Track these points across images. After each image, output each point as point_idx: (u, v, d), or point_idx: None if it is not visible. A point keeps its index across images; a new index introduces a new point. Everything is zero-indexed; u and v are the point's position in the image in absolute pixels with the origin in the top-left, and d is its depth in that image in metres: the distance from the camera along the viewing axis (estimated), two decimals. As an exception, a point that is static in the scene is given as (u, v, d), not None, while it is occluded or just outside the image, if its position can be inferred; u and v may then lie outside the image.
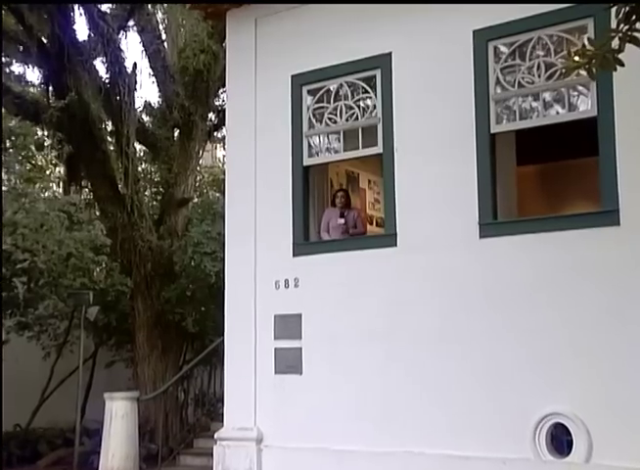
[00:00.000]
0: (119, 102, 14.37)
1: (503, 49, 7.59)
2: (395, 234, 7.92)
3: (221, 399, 9.45)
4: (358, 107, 8.36)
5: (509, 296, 7.23)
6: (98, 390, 12.73)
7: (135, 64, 14.94)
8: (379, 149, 8.15)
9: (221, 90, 15.92)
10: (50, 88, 14.40)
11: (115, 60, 14.30)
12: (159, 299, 14.24)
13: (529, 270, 7.17)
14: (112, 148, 15.21)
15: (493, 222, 7.43)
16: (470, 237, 7.46)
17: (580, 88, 7.22)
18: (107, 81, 14.51)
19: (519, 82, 7.44)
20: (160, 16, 16.31)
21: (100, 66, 14.71)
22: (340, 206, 9.09)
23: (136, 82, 14.83)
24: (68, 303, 13.01)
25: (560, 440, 6.90)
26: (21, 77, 15.81)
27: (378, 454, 7.66)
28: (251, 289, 8.67)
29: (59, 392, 14.28)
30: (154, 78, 16.05)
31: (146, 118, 16.81)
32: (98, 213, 15.18)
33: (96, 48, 14.29)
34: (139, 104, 16.17)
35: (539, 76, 7.34)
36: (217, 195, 17.58)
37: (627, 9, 4.50)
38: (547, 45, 7.35)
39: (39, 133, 14.61)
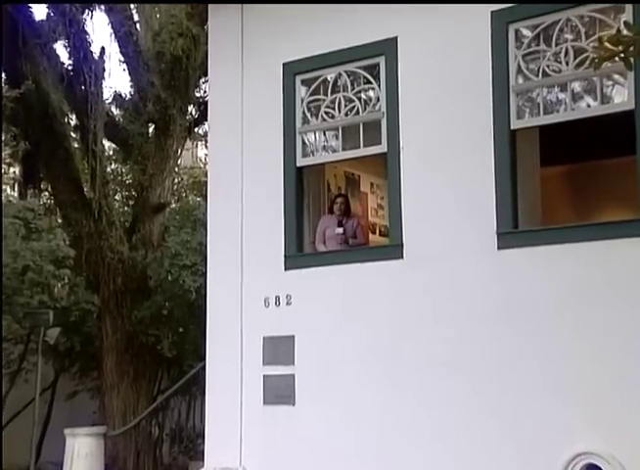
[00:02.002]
0: (85, 92, 14.40)
1: (525, 33, 7.64)
2: (401, 245, 7.96)
3: (201, 435, 9.47)
4: (359, 99, 8.42)
5: (531, 316, 7.27)
6: (57, 425, 12.73)
7: (103, 48, 14.98)
8: (383, 148, 8.21)
9: (202, 80, 15.99)
10: (2, 76, 14.42)
11: (80, 43, 14.33)
12: (130, 318, 14.27)
13: (555, 287, 7.21)
14: (76, 145, 15.27)
15: (513, 231, 7.48)
16: (486, 248, 7.51)
17: (616, 77, 7.26)
18: (69, 68, 14.52)
19: (543, 71, 7.50)
20: (132, -7, 16.36)
21: (61, 50, 14.73)
22: (338, 212, 9.12)
23: (104, 70, 14.87)
24: (23, 323, 13.01)
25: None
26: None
27: (381, 498, 7.71)
28: (236, 307, 8.71)
29: (10, 428, 14.18)
30: (124, 66, 16.06)
31: (116, 112, 16.85)
32: (60, 221, 15.23)
33: (56, 29, 14.28)
34: (108, 95, 16.22)
35: (567, 64, 7.38)
36: (198, 200, 17.63)
37: None
38: (577, 28, 7.39)
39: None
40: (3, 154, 16.14)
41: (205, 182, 9.86)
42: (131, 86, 16.36)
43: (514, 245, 7.43)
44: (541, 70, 7.51)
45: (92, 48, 14.61)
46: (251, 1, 9.05)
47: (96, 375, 14.97)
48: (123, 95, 16.70)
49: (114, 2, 15.05)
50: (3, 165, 16.85)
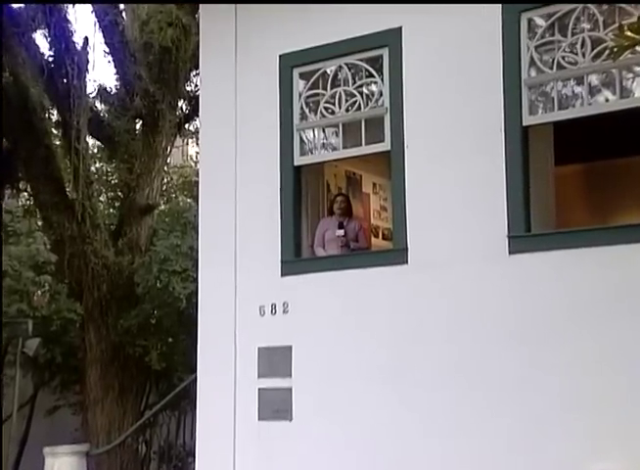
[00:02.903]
0: (67, 86, 14.44)
1: (539, 22, 7.66)
2: (406, 249, 7.99)
3: (192, 453, 9.47)
4: (361, 94, 8.45)
5: (545, 326, 7.28)
6: (36, 443, 12.73)
7: (86, 39, 15.01)
8: (386, 145, 8.23)
9: (193, 73, 16.03)
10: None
11: (61, 33, 14.35)
12: (116, 328, 14.30)
13: (571, 294, 7.22)
14: (57, 143, 15.30)
15: (526, 235, 7.50)
16: (497, 253, 7.53)
17: (637, 69, 7.28)
18: (50, 60, 14.55)
19: (558, 63, 7.51)
20: (118, -20, 16.38)
21: (42, 40, 14.76)
22: (338, 214, 9.15)
23: (87, 62, 14.90)
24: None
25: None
26: None
27: (385, 520, 7.73)
28: (229, 316, 8.74)
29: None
30: (109, 57, 16.11)
31: (100, 107, 16.89)
32: (40, 223, 15.26)
33: (36, 18, 14.31)
34: (91, 89, 16.26)
35: (584, 55, 7.39)
36: (189, 201, 17.69)
37: None
38: (595, 16, 7.39)
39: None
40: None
41: (197, 182, 9.88)
42: (117, 80, 16.41)
43: (526, 249, 7.44)
44: (556, 62, 7.51)
45: (74, 38, 14.64)
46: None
47: (78, 389, 15.01)
48: (108, 89, 16.73)
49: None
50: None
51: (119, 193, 17.25)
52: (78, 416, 14.90)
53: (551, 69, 7.55)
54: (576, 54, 7.43)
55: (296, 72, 8.78)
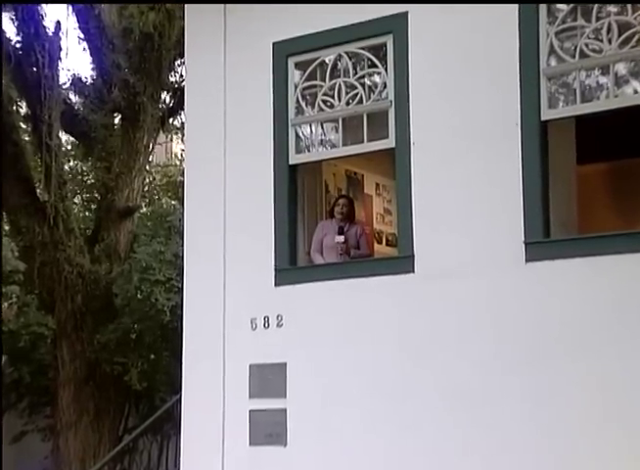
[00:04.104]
0: (37, 75, 14.47)
1: (560, 6, 7.66)
2: (412, 256, 8.02)
3: (176, 482, 9.52)
4: (363, 86, 8.48)
5: (566, 341, 7.30)
6: (1, 473, 12.71)
7: (58, 23, 15.04)
8: (390, 142, 8.26)
9: (178, 62, 16.07)
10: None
11: (30, 16, 14.39)
12: (91, 344, 14.34)
13: (594, 306, 7.23)
14: (27, 138, 15.32)
15: (544, 241, 7.52)
16: (512, 261, 7.55)
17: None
18: (18, 46, 14.57)
19: (581, 51, 7.52)
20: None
21: (8, 25, 14.77)
22: (338, 218, 9.18)
23: (60, 49, 14.95)
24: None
25: None
26: None
27: None
28: (218, 330, 8.76)
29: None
30: (85, 44, 16.15)
31: (75, 99, 16.93)
32: (7, 228, 15.27)
33: (1, -1, 14.34)
34: (65, 79, 16.31)
35: (610, 42, 7.40)
36: (173, 203, 17.73)
37: None
38: (622, -2, 7.43)
39: None
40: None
41: (182, 182, 9.92)
42: (93, 69, 16.47)
43: (545, 257, 7.46)
44: (578, 50, 7.52)
45: (45, 22, 14.64)
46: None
47: (49, 412, 15.02)
48: (83, 79, 16.78)
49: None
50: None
51: (96, 194, 17.29)
52: (49, 443, 14.90)
53: (573, 57, 7.56)
54: (601, 41, 7.45)
55: (291, 62, 8.81)
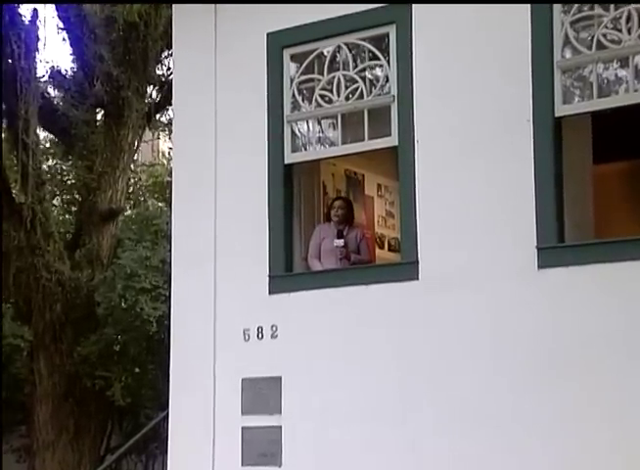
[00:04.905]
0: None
1: (576, -7, 7.71)
2: (417, 262, 8.03)
3: (163, 505, 9.52)
4: (364, 79, 8.50)
5: (582, 355, 7.30)
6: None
7: (35, 11, 15.02)
8: (393, 140, 8.29)
9: (165, 53, 16.07)
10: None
11: (5, 4, 14.36)
12: (71, 357, 14.34)
13: (612, 317, 7.22)
14: (2, 135, 15.30)
15: (558, 246, 7.54)
16: (524, 268, 7.56)
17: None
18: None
19: (598, 41, 7.53)
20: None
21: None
22: (337, 221, 9.18)
23: (38, 39, 14.94)
24: None
25: None
26: None
27: None
28: (208, 341, 8.78)
29: None
30: (64, 34, 16.15)
31: (54, 93, 16.94)
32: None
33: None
34: (43, 71, 16.31)
35: (629, 32, 7.41)
36: (160, 205, 17.74)
37: None
38: (642, -15, 7.43)
39: None
40: None
41: (169, 183, 9.95)
42: (73, 61, 16.46)
43: (559, 263, 7.47)
44: (595, 41, 7.53)
45: (21, 10, 14.62)
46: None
47: (24, 431, 15.00)
48: (63, 72, 16.76)
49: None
50: None
51: (77, 196, 17.30)
52: (24, 464, 14.90)
53: (589, 48, 7.58)
54: (620, 31, 7.46)
55: (286, 54, 8.84)
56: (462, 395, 7.68)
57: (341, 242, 8.94)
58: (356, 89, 8.50)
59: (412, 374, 7.92)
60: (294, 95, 8.80)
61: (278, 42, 8.82)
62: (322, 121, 8.83)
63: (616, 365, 7.16)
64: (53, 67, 16.65)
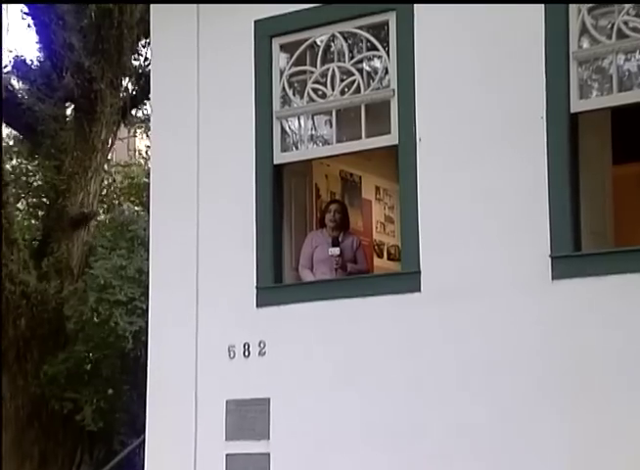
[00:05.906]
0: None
1: (594, -22, 7.74)
2: (418, 272, 8.06)
3: None
4: (360, 72, 8.54)
5: (601, 374, 7.32)
6: None
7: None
8: (393, 139, 8.32)
9: (142, 42, 16.09)
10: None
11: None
12: (37, 377, 14.33)
13: (633, 332, 7.25)
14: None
15: (574, 255, 7.56)
16: (537, 278, 7.58)
17: None
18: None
19: (619, 30, 7.56)
20: None
21: None
22: (330, 227, 9.22)
23: (0, 26, 14.96)
24: None
25: None
26: None
27: None
28: (189, 359, 8.81)
29: None
30: (30, 20, 16.15)
31: (18, 85, 16.93)
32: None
33: None
34: (6, 61, 16.31)
35: (653, 20, 7.48)
36: (137, 209, 17.74)
37: None
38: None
39: None
40: None
41: (147, 185, 9.96)
42: (40, 50, 16.45)
43: (575, 274, 7.49)
44: (615, 30, 7.56)
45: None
46: None
47: (-16, 459, 15.00)
48: (28, 62, 16.75)
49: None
50: None
51: (44, 199, 17.29)
52: (-15, 494, 14.91)
53: (609, 38, 7.61)
54: (643, 18, 7.52)
55: (276, 44, 8.87)
56: (469, 419, 7.69)
57: (336, 250, 8.96)
58: (352, 82, 8.54)
59: (413, 394, 7.94)
60: (284, 89, 8.83)
61: (266, 30, 8.84)
62: (315, 118, 8.88)
63: (637, 383, 7.17)
64: (17, 56, 16.67)
